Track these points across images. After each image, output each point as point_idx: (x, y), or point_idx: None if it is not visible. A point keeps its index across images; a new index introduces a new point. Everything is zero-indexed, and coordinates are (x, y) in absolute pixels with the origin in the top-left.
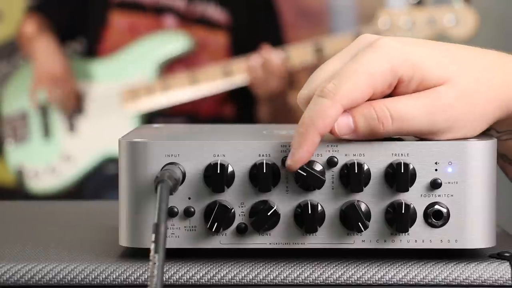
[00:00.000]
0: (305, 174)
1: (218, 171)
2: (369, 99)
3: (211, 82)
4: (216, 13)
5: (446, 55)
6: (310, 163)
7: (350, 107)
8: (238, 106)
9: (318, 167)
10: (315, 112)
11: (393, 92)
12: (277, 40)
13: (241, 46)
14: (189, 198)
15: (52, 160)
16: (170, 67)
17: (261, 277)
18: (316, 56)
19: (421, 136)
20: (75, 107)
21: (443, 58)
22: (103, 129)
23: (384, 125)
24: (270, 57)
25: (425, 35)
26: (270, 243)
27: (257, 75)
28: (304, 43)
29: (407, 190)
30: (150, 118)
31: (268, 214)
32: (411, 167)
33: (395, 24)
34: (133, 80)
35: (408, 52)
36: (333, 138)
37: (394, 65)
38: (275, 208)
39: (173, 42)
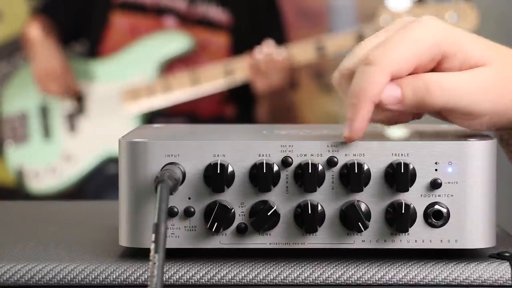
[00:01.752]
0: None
1: (218, 171)
2: (413, 73)
3: (212, 81)
4: (217, 13)
5: (484, 43)
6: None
7: (396, 75)
8: (239, 106)
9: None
10: (364, 80)
11: (436, 69)
12: (279, 40)
13: (242, 46)
14: (189, 198)
15: (53, 160)
16: (171, 67)
17: (261, 277)
18: (317, 55)
19: (459, 117)
20: (75, 106)
21: (482, 43)
22: (104, 129)
23: (432, 95)
24: (273, 51)
25: None
26: (270, 243)
27: (259, 70)
28: (305, 41)
29: (407, 190)
30: (151, 118)
31: (268, 214)
32: (411, 167)
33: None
34: (133, 80)
35: (452, 31)
36: (333, 138)
37: (439, 39)
38: (275, 208)
39: (173, 42)
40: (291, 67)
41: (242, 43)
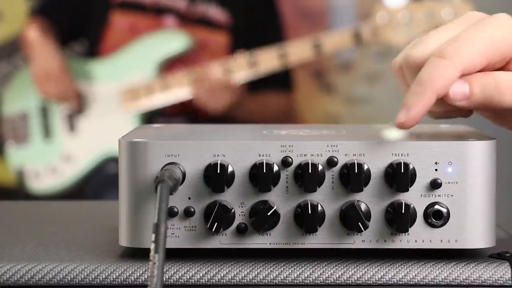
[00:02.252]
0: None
1: (218, 171)
2: (482, 71)
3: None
4: (216, 13)
5: None
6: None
7: (468, 72)
8: None
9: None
10: (433, 72)
11: (503, 68)
12: (278, 39)
13: (241, 46)
14: (189, 198)
15: (53, 160)
16: (170, 66)
17: (261, 277)
18: (314, 52)
19: None
20: (75, 106)
21: None
22: (104, 128)
23: (501, 94)
24: (209, 70)
25: (423, 29)
26: (270, 243)
27: (202, 91)
28: (302, 39)
29: (407, 190)
30: (150, 117)
31: (268, 214)
32: (411, 167)
33: (393, 18)
34: (133, 79)
35: None
36: (333, 138)
37: None
38: (275, 208)
39: (173, 41)
40: (233, 85)
41: (241, 43)
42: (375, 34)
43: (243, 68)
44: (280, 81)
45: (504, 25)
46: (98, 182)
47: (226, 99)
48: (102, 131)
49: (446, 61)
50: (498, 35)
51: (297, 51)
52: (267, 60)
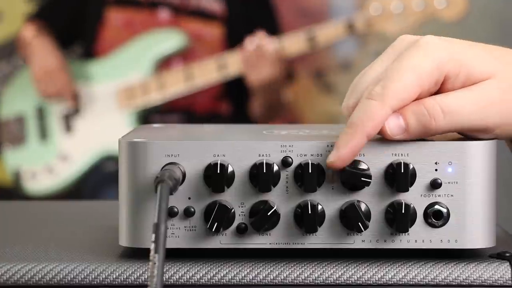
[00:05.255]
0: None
1: (218, 171)
2: (417, 98)
3: (206, 76)
4: (211, 4)
5: (487, 53)
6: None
7: (399, 107)
8: (234, 102)
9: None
10: (363, 114)
11: (440, 89)
12: (273, 31)
13: (236, 37)
14: (189, 198)
15: (49, 160)
16: (166, 63)
17: (261, 277)
18: (308, 45)
19: (472, 133)
20: (72, 106)
21: (485, 55)
22: (100, 127)
23: (436, 120)
24: (264, 42)
25: (416, 18)
26: (270, 243)
27: (251, 62)
28: (297, 32)
29: (407, 190)
30: (147, 115)
31: (268, 214)
32: (411, 167)
33: (386, 9)
34: (129, 79)
35: (452, 49)
36: (333, 138)
37: (440, 62)
38: (275, 208)
39: (168, 39)
40: (284, 58)
41: (236, 34)
42: (369, 25)
43: (238, 63)
44: None
45: (429, 51)
46: (95, 181)
47: (266, 71)
48: (99, 130)
49: (374, 102)
50: (424, 64)
51: (292, 44)
52: None
